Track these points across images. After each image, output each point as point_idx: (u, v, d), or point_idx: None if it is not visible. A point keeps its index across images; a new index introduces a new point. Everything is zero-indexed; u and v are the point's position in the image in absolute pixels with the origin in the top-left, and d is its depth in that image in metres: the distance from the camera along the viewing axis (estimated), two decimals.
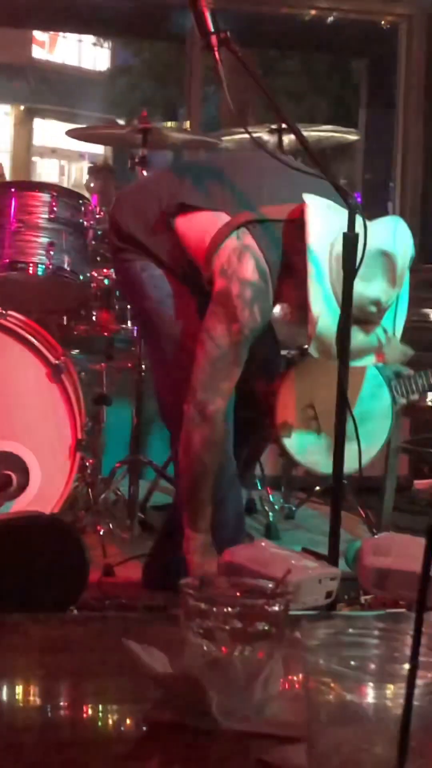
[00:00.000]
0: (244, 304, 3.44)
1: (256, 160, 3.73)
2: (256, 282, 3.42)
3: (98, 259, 4.74)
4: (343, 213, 3.08)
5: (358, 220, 3.08)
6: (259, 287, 3.44)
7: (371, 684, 1.15)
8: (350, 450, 3.46)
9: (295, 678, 1.53)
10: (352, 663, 1.21)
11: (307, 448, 3.63)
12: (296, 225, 3.42)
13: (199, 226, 3.54)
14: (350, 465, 3.44)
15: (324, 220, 3.36)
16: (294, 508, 5.41)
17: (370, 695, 1.14)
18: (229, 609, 1.50)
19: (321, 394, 3.62)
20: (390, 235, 3.45)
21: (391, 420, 3.70)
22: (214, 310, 3.48)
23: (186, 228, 3.57)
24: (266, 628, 1.48)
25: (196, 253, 3.54)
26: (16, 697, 1.66)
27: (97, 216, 4.71)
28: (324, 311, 3.37)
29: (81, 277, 4.57)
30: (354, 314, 3.27)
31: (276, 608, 1.49)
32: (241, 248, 3.44)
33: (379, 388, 3.71)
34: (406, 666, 1.15)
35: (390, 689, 1.13)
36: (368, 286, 3.44)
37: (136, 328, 4.70)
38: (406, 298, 3.69)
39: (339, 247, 3.17)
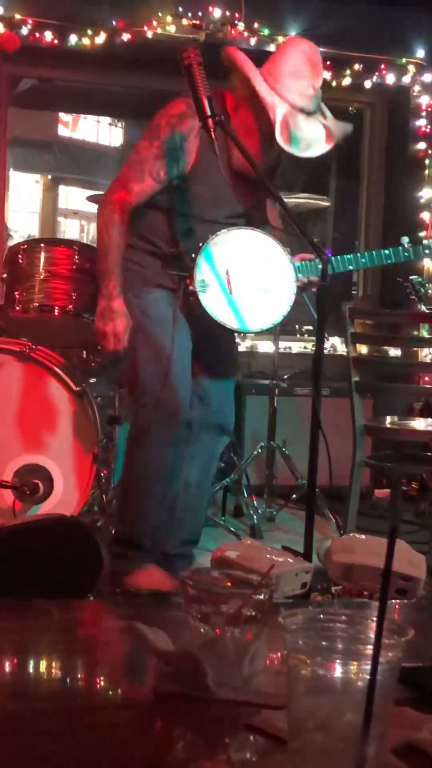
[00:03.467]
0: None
1: None
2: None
3: None
4: None
5: None
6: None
7: (339, 661, 1.15)
8: (260, 305, 3.58)
9: (277, 655, 1.53)
10: (324, 643, 1.21)
11: (219, 305, 3.59)
12: None
13: None
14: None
15: None
16: (275, 513, 5.41)
17: (338, 670, 1.13)
18: (222, 597, 1.50)
19: (235, 261, 3.61)
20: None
21: (293, 295, 3.68)
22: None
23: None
24: (253, 613, 1.48)
25: None
26: (41, 669, 1.66)
27: None
28: None
29: None
30: (300, 108, 3.55)
31: (261, 597, 1.49)
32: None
33: (287, 269, 3.67)
34: (369, 646, 1.15)
35: (354, 665, 1.13)
36: (299, 83, 3.57)
37: None
38: None
39: None
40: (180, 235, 3.71)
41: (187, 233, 3.71)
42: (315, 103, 3.65)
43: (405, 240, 3.98)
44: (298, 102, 3.60)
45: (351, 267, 3.87)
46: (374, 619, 1.14)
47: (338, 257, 3.83)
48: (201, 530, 4.08)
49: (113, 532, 4.14)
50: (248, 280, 3.62)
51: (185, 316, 3.71)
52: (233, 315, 3.61)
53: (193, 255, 3.58)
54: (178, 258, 3.72)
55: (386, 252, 3.89)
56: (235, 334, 4.13)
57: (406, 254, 3.94)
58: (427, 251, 3.99)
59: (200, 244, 3.57)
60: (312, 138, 3.64)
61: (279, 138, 3.56)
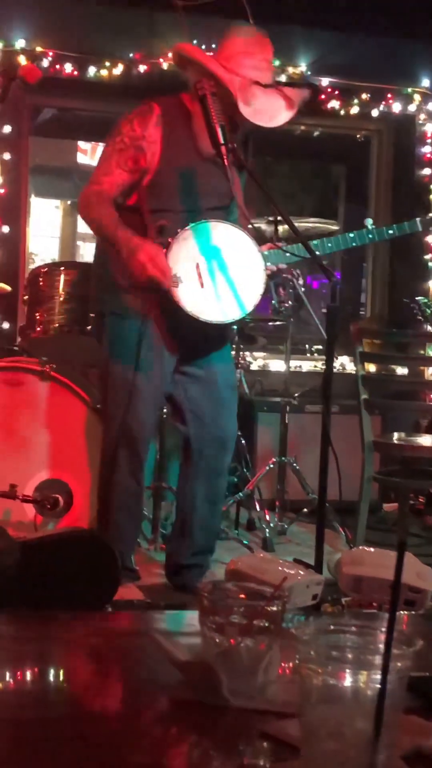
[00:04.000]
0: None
1: None
2: None
3: None
4: None
5: None
6: None
7: (350, 670, 1.15)
8: (231, 296, 3.59)
9: (289, 665, 1.53)
10: (334, 653, 1.21)
11: (192, 298, 3.59)
12: None
13: None
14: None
15: None
16: (286, 526, 5.39)
17: (349, 680, 1.13)
18: (236, 608, 1.50)
19: (205, 255, 3.61)
20: None
21: (263, 282, 3.67)
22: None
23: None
24: (266, 624, 1.47)
25: None
26: (61, 677, 1.66)
27: None
28: None
29: None
30: (256, 82, 3.57)
31: (274, 608, 1.49)
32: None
33: (255, 256, 3.67)
34: (378, 656, 1.15)
35: (365, 675, 1.13)
36: (252, 59, 3.61)
37: None
38: None
39: None
40: (154, 231, 3.70)
41: (160, 230, 3.69)
42: (270, 76, 3.67)
43: (369, 221, 4.00)
44: (253, 75, 3.61)
45: (318, 252, 3.82)
46: (383, 629, 1.14)
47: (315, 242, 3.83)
48: (215, 540, 4.08)
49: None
50: (219, 272, 3.62)
51: (164, 314, 3.70)
52: (206, 307, 3.60)
53: (165, 251, 3.58)
54: None
55: (351, 235, 3.92)
56: (231, 351, 4.08)
57: (370, 236, 3.96)
58: (390, 231, 4.01)
59: (169, 240, 3.57)
60: (272, 108, 3.65)
61: (242, 108, 3.58)
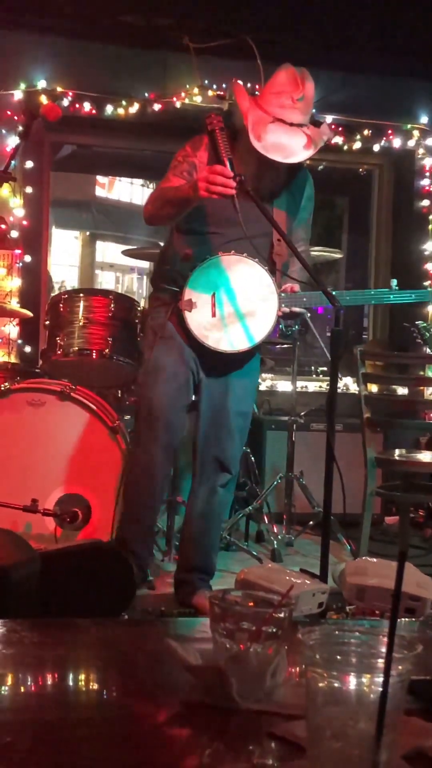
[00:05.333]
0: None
1: None
2: None
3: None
4: None
5: None
6: None
7: (353, 674, 1.14)
8: (240, 328, 3.61)
9: (296, 669, 1.52)
10: (339, 658, 1.20)
11: (203, 325, 3.60)
12: None
13: None
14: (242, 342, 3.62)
15: None
16: (293, 538, 5.39)
17: (352, 683, 1.13)
18: (246, 615, 1.49)
19: (223, 285, 3.62)
20: None
21: (275, 316, 3.68)
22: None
23: None
24: (274, 630, 1.47)
25: None
26: (80, 681, 1.65)
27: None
28: None
29: (131, 361, 4.60)
30: (280, 119, 3.56)
31: (281, 615, 1.49)
32: None
33: (270, 294, 3.67)
34: (380, 660, 1.14)
35: (367, 678, 1.13)
36: (280, 98, 3.59)
37: None
38: None
39: None
40: (180, 257, 3.74)
41: (185, 257, 3.73)
42: (297, 115, 3.63)
43: (394, 282, 4.00)
44: (277, 113, 3.60)
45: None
46: (385, 635, 1.13)
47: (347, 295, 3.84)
48: (213, 564, 3.97)
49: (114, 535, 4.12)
50: (232, 304, 3.62)
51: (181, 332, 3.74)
52: (213, 335, 3.61)
53: (186, 275, 3.60)
54: (176, 276, 3.75)
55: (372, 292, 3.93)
56: (250, 379, 4.05)
57: (392, 296, 3.98)
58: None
59: (195, 265, 3.58)
60: (290, 145, 3.63)
61: (254, 143, 3.58)
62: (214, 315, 3.60)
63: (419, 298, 4.12)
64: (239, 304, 3.59)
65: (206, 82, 6.49)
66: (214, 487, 3.90)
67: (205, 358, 3.76)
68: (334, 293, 3.74)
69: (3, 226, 6.14)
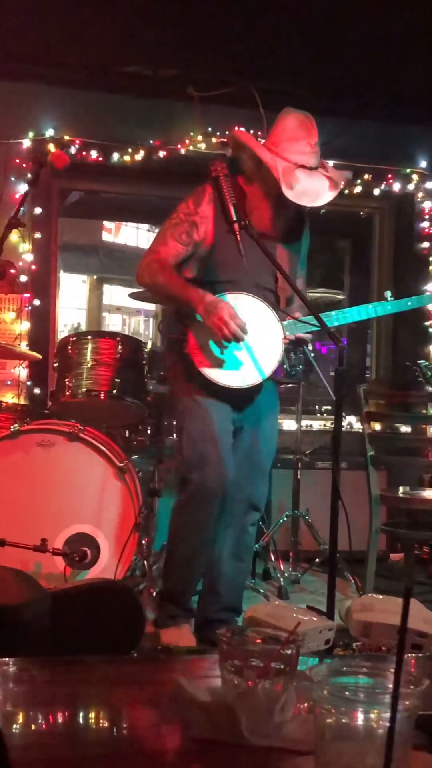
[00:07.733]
0: None
1: None
2: None
3: (150, 387, 4.75)
4: None
5: None
6: None
7: (361, 710, 1.14)
8: (250, 362, 3.61)
9: (304, 705, 1.52)
10: (346, 694, 1.20)
11: (209, 364, 3.61)
12: None
13: None
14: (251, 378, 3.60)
15: None
16: (300, 575, 5.36)
17: (360, 718, 1.13)
18: (254, 652, 1.49)
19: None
20: None
21: (282, 350, 3.68)
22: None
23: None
24: (282, 666, 1.47)
25: None
26: (90, 718, 1.65)
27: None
28: None
29: (139, 401, 4.61)
30: (301, 165, 3.55)
31: (289, 651, 1.48)
32: None
33: (274, 324, 3.66)
34: (387, 696, 1.14)
35: (375, 714, 1.12)
36: (297, 144, 3.60)
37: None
38: None
39: None
40: None
41: None
42: (315, 159, 3.65)
43: (388, 293, 4.03)
44: (298, 160, 3.61)
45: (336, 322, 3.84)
46: (392, 671, 1.13)
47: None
48: (240, 600, 3.95)
49: (154, 594, 4.11)
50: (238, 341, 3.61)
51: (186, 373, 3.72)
52: (224, 373, 3.62)
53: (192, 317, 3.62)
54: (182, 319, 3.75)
55: (369, 307, 3.96)
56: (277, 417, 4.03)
57: (389, 307, 4.01)
58: (410, 303, 4.05)
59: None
60: (316, 189, 3.64)
61: (285, 191, 3.57)
62: (222, 353, 3.60)
63: (417, 303, 4.12)
64: (246, 339, 3.59)
65: (210, 129, 6.56)
66: (245, 526, 3.87)
67: (235, 395, 3.74)
68: (334, 314, 3.79)
69: (12, 271, 6.18)
